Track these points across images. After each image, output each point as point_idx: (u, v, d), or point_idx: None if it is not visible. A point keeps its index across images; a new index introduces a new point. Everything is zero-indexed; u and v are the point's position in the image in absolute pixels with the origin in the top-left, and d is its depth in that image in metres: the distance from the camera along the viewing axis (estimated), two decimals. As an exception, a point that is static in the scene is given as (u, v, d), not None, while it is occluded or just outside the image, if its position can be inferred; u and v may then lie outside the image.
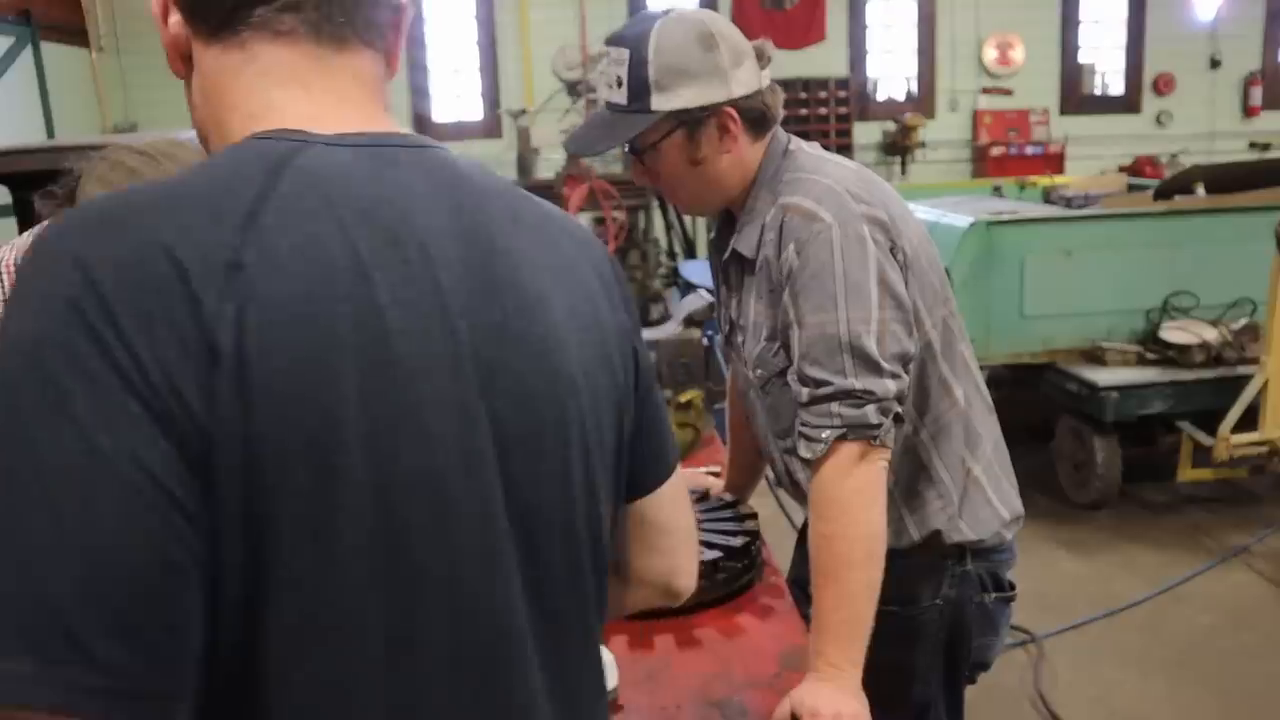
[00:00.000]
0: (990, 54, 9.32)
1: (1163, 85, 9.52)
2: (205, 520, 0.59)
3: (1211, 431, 3.94)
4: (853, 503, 1.35)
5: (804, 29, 9.03)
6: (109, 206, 0.64)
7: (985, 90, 9.35)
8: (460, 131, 8.98)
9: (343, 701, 0.66)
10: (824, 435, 1.36)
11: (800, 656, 1.39)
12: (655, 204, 6.73)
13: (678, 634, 1.52)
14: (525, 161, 6.84)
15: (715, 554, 1.60)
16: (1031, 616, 3.31)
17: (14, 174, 3.21)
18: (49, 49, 6.77)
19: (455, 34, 9.03)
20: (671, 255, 7.76)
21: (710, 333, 2.46)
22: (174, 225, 0.62)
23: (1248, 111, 9.63)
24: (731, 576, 1.61)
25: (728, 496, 1.86)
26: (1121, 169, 8.54)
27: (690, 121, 1.45)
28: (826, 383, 1.36)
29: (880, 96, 9.49)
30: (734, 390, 1.81)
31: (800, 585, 1.60)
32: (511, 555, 0.73)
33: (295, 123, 0.71)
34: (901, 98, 9.46)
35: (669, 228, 7.80)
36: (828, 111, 8.97)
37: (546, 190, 6.25)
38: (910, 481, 1.54)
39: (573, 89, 7.12)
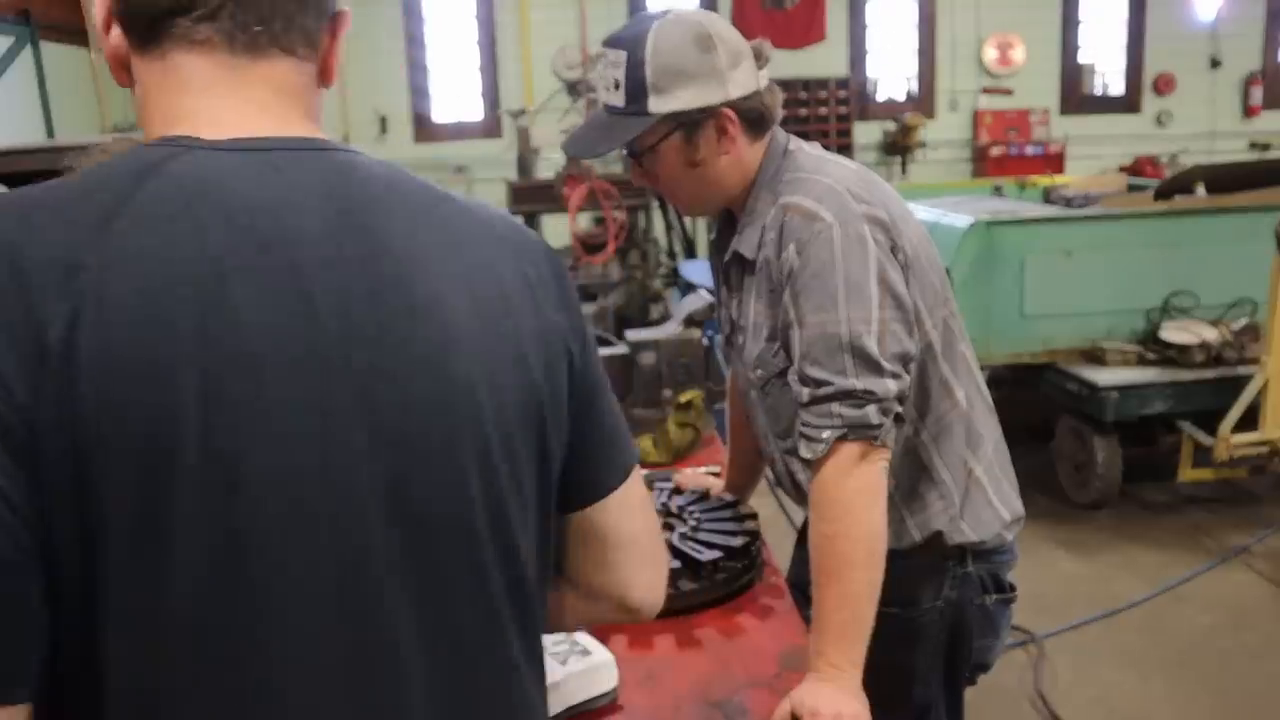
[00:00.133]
0: (990, 54, 9.32)
1: (1163, 85, 9.53)
2: (34, 510, 0.61)
3: (1212, 431, 3.94)
4: (854, 503, 1.35)
5: (804, 29, 9.03)
6: None
7: (985, 90, 9.36)
8: (460, 131, 8.99)
9: (182, 703, 0.66)
10: (825, 435, 1.36)
11: (800, 656, 1.39)
12: (655, 204, 6.73)
13: (678, 634, 1.52)
14: (525, 161, 6.83)
15: (715, 554, 1.60)
16: (1031, 617, 3.30)
17: (13, 174, 3.21)
18: (49, 49, 6.76)
19: (455, 34, 9.03)
20: (671, 255, 7.76)
21: (710, 333, 2.46)
22: (26, 228, 0.65)
23: (1248, 111, 9.64)
24: (731, 576, 1.61)
25: (728, 496, 1.86)
26: (1121, 169, 8.56)
27: (688, 123, 1.45)
28: (827, 383, 1.36)
29: (880, 96, 9.50)
30: (734, 390, 1.81)
31: (799, 587, 1.60)
32: (387, 558, 0.72)
33: (206, 130, 0.73)
34: (901, 98, 9.47)
35: (669, 228, 7.80)
36: (828, 111, 8.98)
37: (546, 190, 6.25)
38: (911, 482, 1.54)
39: (573, 89, 7.11)
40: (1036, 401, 4.47)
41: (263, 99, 0.76)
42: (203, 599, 0.65)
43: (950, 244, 4.14)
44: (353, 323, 0.71)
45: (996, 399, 1.64)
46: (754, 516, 1.78)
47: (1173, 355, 4.22)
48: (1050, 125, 9.37)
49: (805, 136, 1.61)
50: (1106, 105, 9.64)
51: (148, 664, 0.65)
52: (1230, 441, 3.89)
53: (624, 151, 1.53)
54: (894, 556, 1.39)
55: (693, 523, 1.74)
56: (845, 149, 8.73)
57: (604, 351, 2.55)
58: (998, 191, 6.18)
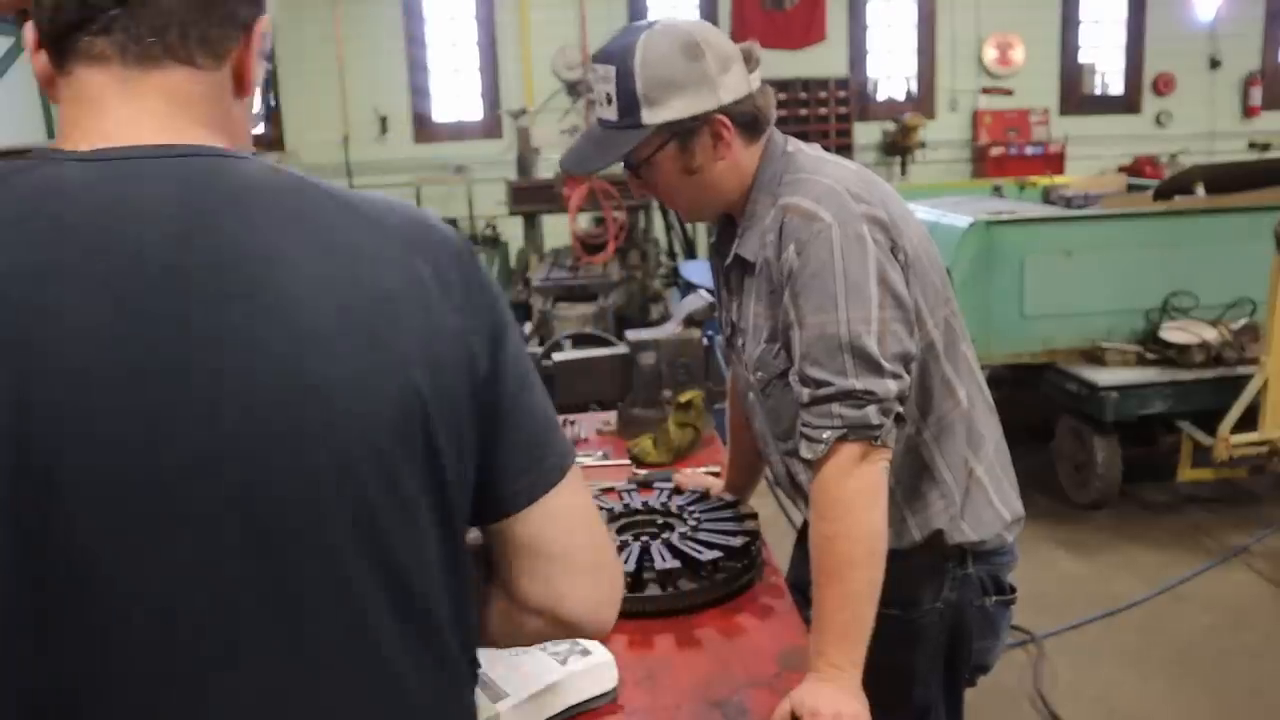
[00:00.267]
0: (990, 54, 9.32)
1: (1162, 85, 9.53)
2: None
3: (1211, 431, 3.94)
4: (854, 503, 1.35)
5: (804, 29, 9.03)
6: None
7: (985, 90, 9.36)
8: (460, 131, 8.99)
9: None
10: (825, 436, 1.36)
11: (800, 656, 1.39)
12: (655, 204, 6.73)
13: (678, 634, 1.52)
14: (525, 161, 6.84)
15: (715, 554, 1.60)
16: (1031, 616, 3.30)
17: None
18: (49, 49, 6.76)
19: (455, 34, 9.03)
20: (671, 255, 7.76)
21: (710, 333, 2.46)
22: None
23: (1247, 111, 9.65)
24: (731, 576, 1.61)
25: (728, 496, 1.86)
26: (1121, 169, 8.56)
27: (682, 132, 1.45)
28: (827, 383, 1.36)
29: (880, 96, 9.50)
30: (734, 392, 1.82)
31: (799, 588, 1.60)
32: (239, 572, 0.72)
33: (91, 141, 0.75)
34: (901, 98, 9.47)
35: (669, 228, 7.80)
36: (828, 112, 8.98)
37: (546, 190, 6.25)
38: (912, 481, 1.54)
39: (573, 89, 7.12)
40: (1036, 401, 4.47)
41: (155, 108, 0.77)
42: (8, 592, 0.67)
43: (950, 244, 4.14)
44: (192, 327, 0.70)
45: (996, 399, 1.64)
46: (754, 516, 1.78)
47: (1172, 355, 4.22)
48: (1050, 125, 9.37)
49: (805, 137, 1.61)
50: (1106, 105, 9.65)
51: None
52: (1230, 441, 3.89)
53: (621, 163, 1.53)
54: (894, 557, 1.39)
55: (693, 523, 1.74)
56: (845, 149, 8.73)
57: (604, 352, 2.55)
58: (997, 192, 6.18)
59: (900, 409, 1.39)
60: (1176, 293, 4.32)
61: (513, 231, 7.49)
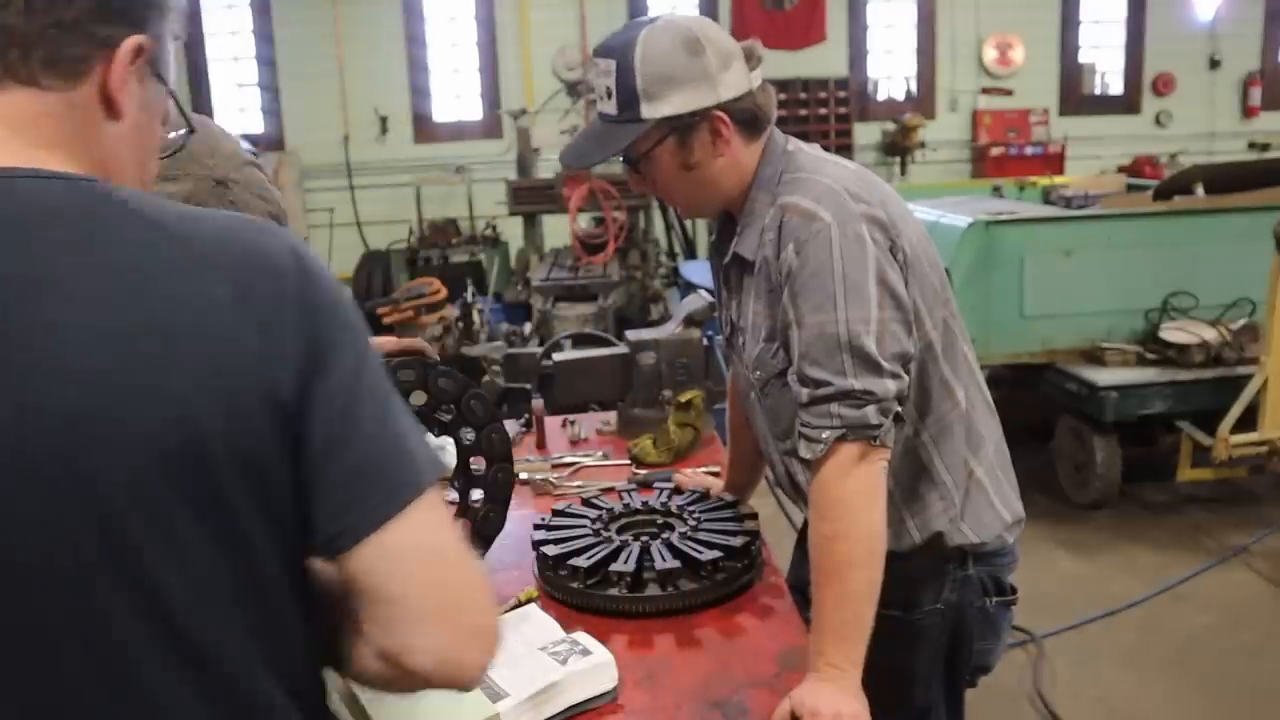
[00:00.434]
0: (990, 54, 9.32)
1: (1162, 85, 9.53)
2: None
3: (1211, 431, 3.95)
4: (853, 503, 1.36)
5: (804, 29, 9.04)
6: None
7: (985, 90, 9.36)
8: (460, 131, 8.99)
9: None
10: (824, 436, 1.36)
11: (800, 656, 1.40)
12: (655, 204, 6.73)
13: (678, 634, 1.52)
14: (525, 161, 6.84)
15: (715, 554, 1.60)
16: (1031, 616, 3.30)
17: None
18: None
19: (455, 34, 9.03)
20: (671, 255, 7.76)
21: (710, 333, 2.46)
22: None
23: (1247, 112, 9.65)
24: (731, 576, 1.61)
25: (728, 496, 1.86)
26: (1121, 169, 8.55)
27: (681, 128, 1.46)
28: (826, 383, 1.36)
29: (880, 96, 9.50)
30: (734, 392, 1.82)
31: (799, 588, 1.60)
32: None
33: None
34: (901, 98, 9.47)
35: (669, 228, 7.80)
36: (828, 111, 8.98)
37: (546, 190, 6.25)
38: (912, 482, 1.54)
39: (573, 89, 7.12)
40: (1036, 401, 4.47)
41: None
42: None
43: (950, 244, 4.14)
44: None
45: (996, 399, 1.64)
46: (754, 516, 1.78)
47: (1172, 355, 4.22)
48: (1050, 125, 9.37)
49: (805, 137, 1.61)
50: (1106, 105, 9.65)
51: None
52: (1229, 441, 3.89)
53: (620, 159, 1.53)
54: (894, 558, 1.39)
55: (693, 523, 1.74)
56: (845, 149, 8.73)
57: (604, 352, 2.55)
58: (997, 192, 6.19)
59: (899, 409, 1.39)
60: (1176, 293, 4.32)
61: (513, 231, 7.49)
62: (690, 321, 2.44)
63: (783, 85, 8.64)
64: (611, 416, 2.52)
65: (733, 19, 8.91)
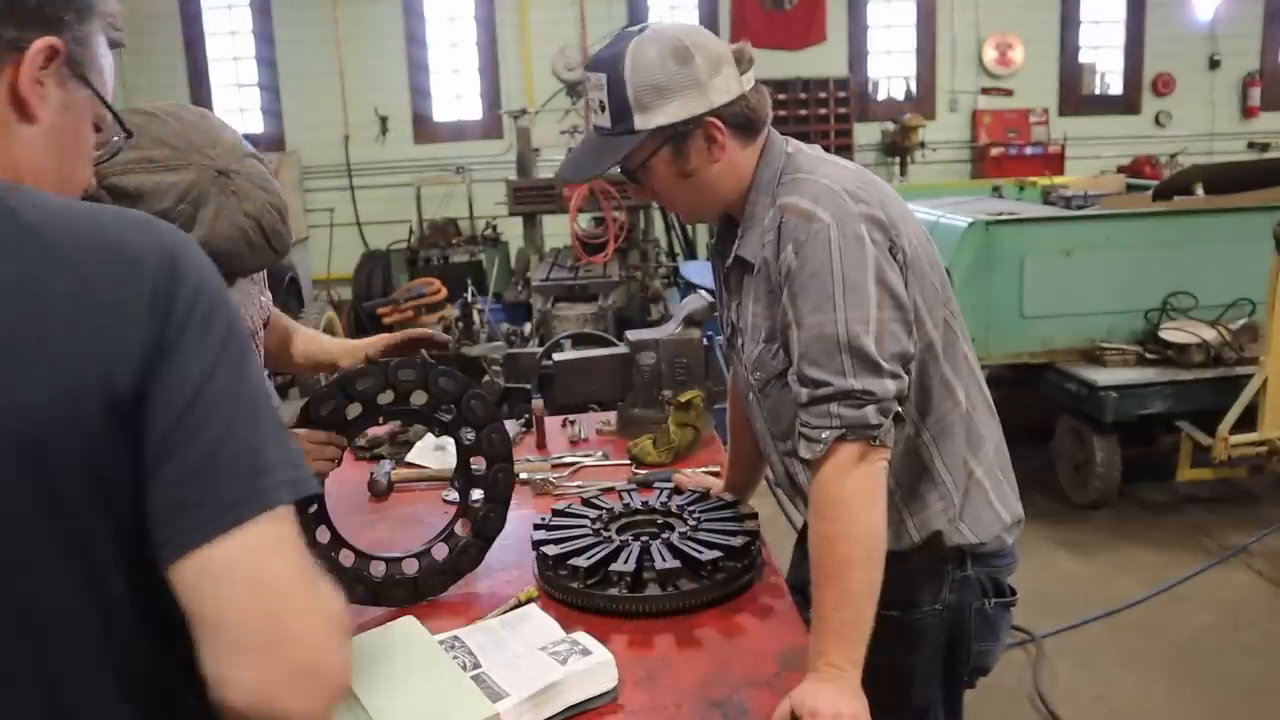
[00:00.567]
0: (990, 54, 9.32)
1: (1162, 85, 9.52)
2: None
3: (1210, 431, 3.95)
4: (853, 503, 1.36)
5: (804, 29, 9.03)
6: None
7: (985, 90, 9.35)
8: (460, 131, 8.99)
9: None
10: (824, 436, 1.36)
11: (800, 656, 1.40)
12: (655, 204, 6.73)
13: (678, 634, 1.52)
14: (525, 161, 6.84)
15: (715, 554, 1.60)
16: (1031, 616, 3.31)
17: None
18: (49, 49, 6.76)
19: (455, 34, 9.03)
20: (671, 255, 7.76)
21: (710, 333, 2.46)
22: None
23: (1247, 112, 9.64)
24: (731, 576, 1.61)
25: (728, 496, 1.86)
26: (1120, 169, 8.55)
27: (675, 136, 1.46)
28: (826, 383, 1.36)
29: (880, 96, 9.49)
30: (735, 392, 1.82)
31: (799, 589, 1.60)
32: None
33: None
34: (901, 98, 9.47)
35: (669, 228, 7.80)
36: (828, 112, 8.97)
37: (546, 190, 6.25)
38: (912, 482, 1.54)
39: (573, 89, 7.12)
40: (1036, 401, 4.47)
41: None
42: None
43: (950, 244, 4.15)
44: None
45: (996, 399, 1.65)
46: (754, 516, 1.78)
47: (1172, 355, 4.23)
48: (1049, 126, 9.36)
49: (805, 137, 1.61)
50: (1106, 105, 9.64)
51: None
52: (1229, 441, 3.89)
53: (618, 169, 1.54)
54: (893, 559, 1.39)
55: (693, 523, 1.74)
56: (845, 149, 8.73)
57: (604, 352, 2.55)
58: (997, 192, 6.19)
59: (899, 409, 1.40)
60: (1176, 293, 4.32)
61: (513, 231, 7.49)
62: (690, 321, 2.44)
63: (783, 85, 8.65)
64: (611, 416, 2.52)
65: (732, 19, 8.91)
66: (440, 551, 1.69)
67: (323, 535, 1.63)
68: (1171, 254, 4.36)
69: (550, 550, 1.65)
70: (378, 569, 1.65)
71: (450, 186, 8.50)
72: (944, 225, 4.35)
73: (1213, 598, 3.60)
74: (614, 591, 1.57)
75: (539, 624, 1.50)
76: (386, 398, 1.65)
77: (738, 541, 1.64)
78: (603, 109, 1.47)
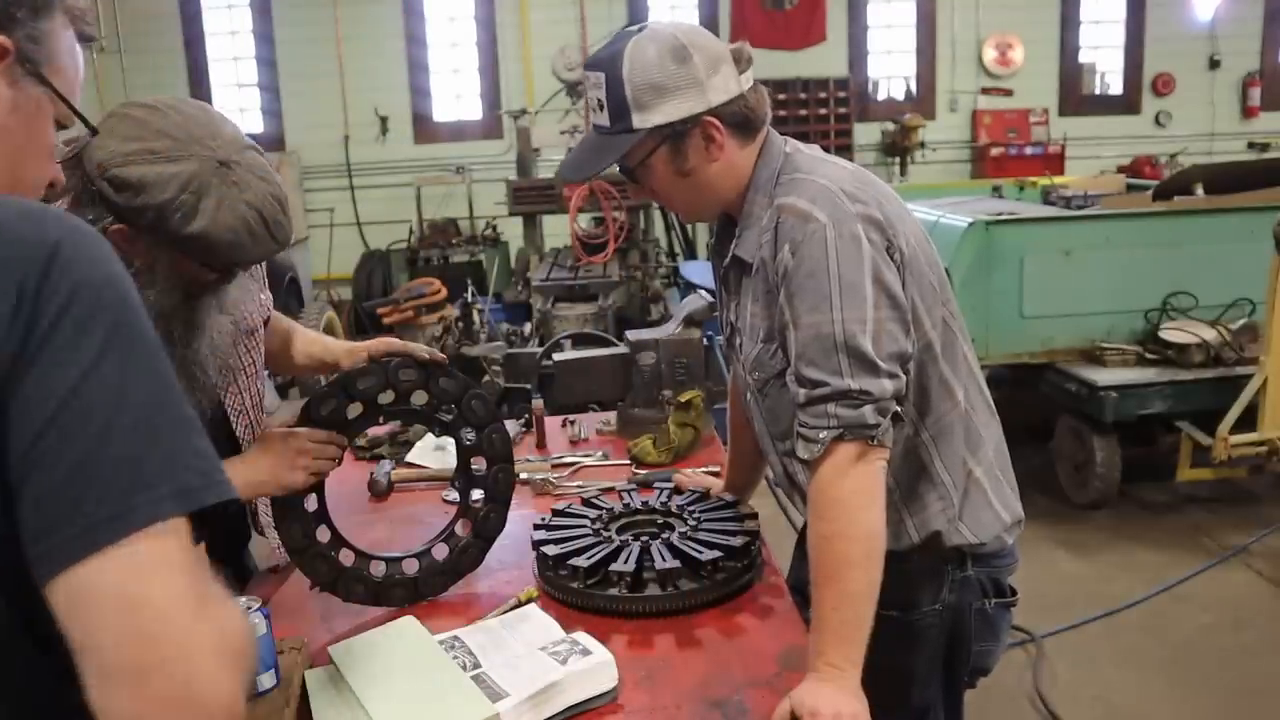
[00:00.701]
0: (990, 54, 9.32)
1: (1162, 85, 9.52)
2: None
3: (1210, 431, 3.95)
4: (851, 503, 1.36)
5: (804, 29, 9.03)
6: None
7: (985, 90, 9.36)
8: (460, 131, 8.99)
9: None
10: (821, 436, 1.36)
11: (800, 656, 1.40)
12: (655, 204, 6.73)
13: (678, 634, 1.52)
14: (525, 161, 6.84)
15: (715, 554, 1.60)
16: (1031, 616, 3.31)
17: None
18: (49, 49, 6.75)
19: (455, 34, 9.03)
20: (671, 255, 7.76)
21: (710, 333, 2.46)
22: None
23: (1247, 112, 9.64)
24: (731, 576, 1.61)
25: (728, 496, 1.86)
26: (1120, 169, 8.55)
27: (674, 135, 1.46)
28: (823, 383, 1.36)
29: (880, 97, 9.49)
30: (735, 392, 1.82)
31: (799, 589, 1.60)
32: None
33: None
34: (901, 98, 9.47)
35: (669, 228, 7.80)
36: (828, 112, 8.97)
37: (546, 190, 6.25)
38: (911, 482, 1.54)
39: (573, 89, 7.11)
40: (1036, 401, 4.47)
41: None
42: None
43: (950, 244, 4.15)
44: None
45: (996, 399, 1.64)
46: (754, 516, 1.78)
47: (1171, 355, 4.23)
48: (1049, 126, 9.37)
49: (805, 137, 1.61)
50: (1106, 105, 9.64)
51: None
52: (1229, 441, 3.89)
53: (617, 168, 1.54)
54: (893, 559, 1.39)
55: (693, 523, 1.74)
56: (845, 149, 8.73)
57: (604, 352, 2.55)
58: (997, 192, 6.19)
59: (897, 408, 1.40)
60: (1176, 293, 4.32)
61: (513, 231, 7.49)
62: (690, 321, 2.44)
63: (783, 85, 8.65)
64: (611, 416, 2.52)
65: (732, 19, 8.91)
66: (440, 551, 1.70)
67: (323, 535, 1.63)
68: (1171, 254, 4.37)
69: (550, 550, 1.65)
70: (378, 569, 1.65)
71: (450, 186, 8.51)
72: (944, 225, 4.35)
73: (1213, 598, 3.60)
74: (614, 591, 1.57)
75: (539, 624, 1.50)
76: (387, 398, 1.65)
77: (738, 541, 1.64)
78: (601, 108, 1.47)
